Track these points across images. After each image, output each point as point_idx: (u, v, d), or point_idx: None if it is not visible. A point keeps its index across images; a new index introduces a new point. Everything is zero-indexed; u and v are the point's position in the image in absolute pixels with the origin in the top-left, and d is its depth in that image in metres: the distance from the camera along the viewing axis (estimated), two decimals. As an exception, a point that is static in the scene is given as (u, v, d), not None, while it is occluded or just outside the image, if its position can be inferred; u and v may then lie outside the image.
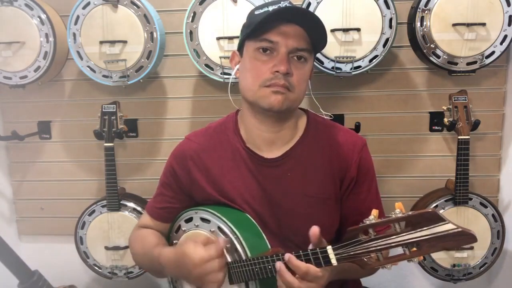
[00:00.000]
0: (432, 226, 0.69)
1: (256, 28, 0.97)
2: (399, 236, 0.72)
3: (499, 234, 1.58)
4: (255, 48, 0.99)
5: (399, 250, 0.75)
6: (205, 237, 1.02)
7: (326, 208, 1.07)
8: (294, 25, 0.97)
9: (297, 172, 1.07)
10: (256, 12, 1.01)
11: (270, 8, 0.98)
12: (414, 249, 0.72)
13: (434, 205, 1.57)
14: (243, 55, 1.05)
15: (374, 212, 0.76)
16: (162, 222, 1.18)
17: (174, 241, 1.15)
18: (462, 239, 0.67)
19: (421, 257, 0.73)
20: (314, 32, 0.99)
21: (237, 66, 1.08)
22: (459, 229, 0.67)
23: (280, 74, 0.96)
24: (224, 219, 1.03)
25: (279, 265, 0.86)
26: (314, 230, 0.84)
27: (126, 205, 1.68)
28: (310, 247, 0.86)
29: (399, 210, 0.73)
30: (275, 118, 1.04)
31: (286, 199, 1.06)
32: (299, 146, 1.08)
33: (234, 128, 1.11)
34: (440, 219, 0.69)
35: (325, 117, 1.16)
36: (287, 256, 0.85)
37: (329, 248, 0.82)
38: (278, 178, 1.07)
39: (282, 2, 0.99)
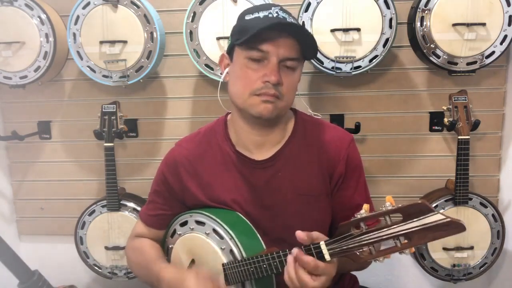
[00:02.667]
0: (421, 218, 0.71)
1: (246, 36, 0.96)
2: (390, 229, 0.74)
3: (499, 234, 1.59)
4: (246, 56, 0.98)
5: (391, 243, 0.76)
6: (209, 272, 1.02)
7: (318, 205, 1.08)
8: (285, 34, 0.96)
9: (287, 172, 1.07)
10: (247, 18, 1.00)
11: (261, 14, 0.97)
12: (405, 241, 0.73)
13: (434, 205, 1.57)
14: (233, 60, 1.04)
15: (365, 206, 0.78)
16: (156, 229, 1.18)
17: (170, 245, 1.15)
18: (451, 228, 0.69)
19: (412, 249, 0.74)
20: (305, 44, 0.99)
21: (227, 70, 1.07)
22: (448, 219, 0.69)
23: (270, 84, 0.96)
24: (218, 221, 1.04)
25: (291, 259, 0.85)
26: (299, 234, 0.85)
27: (126, 205, 1.68)
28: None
29: (389, 203, 0.74)
30: (264, 123, 1.05)
31: (278, 199, 1.07)
32: (288, 146, 1.09)
33: (224, 131, 1.12)
34: (429, 210, 0.70)
35: (313, 116, 1.17)
36: (295, 251, 0.84)
37: (322, 244, 0.82)
38: (269, 179, 1.07)
39: (273, 8, 0.99)
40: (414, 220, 0.71)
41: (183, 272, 1.03)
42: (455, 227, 0.68)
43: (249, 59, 0.98)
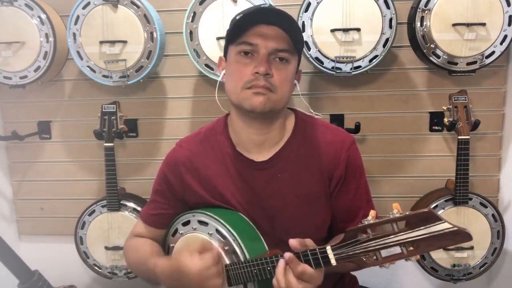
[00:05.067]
0: (428, 226, 0.70)
1: (235, 32, 0.98)
2: (397, 236, 0.73)
3: (499, 234, 1.59)
4: (237, 51, 1.00)
5: (397, 249, 0.76)
6: (199, 245, 1.01)
7: (317, 207, 1.08)
8: (273, 27, 0.98)
9: (287, 173, 1.07)
10: (238, 18, 1.02)
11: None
12: (411, 248, 0.73)
13: (434, 205, 1.57)
14: (227, 59, 1.06)
15: (372, 212, 0.78)
16: (156, 228, 1.18)
17: (171, 245, 1.15)
18: (458, 237, 0.69)
19: (418, 256, 0.74)
20: (292, 32, 0.99)
21: (223, 71, 1.09)
22: (455, 228, 0.68)
23: (260, 76, 0.97)
24: (222, 221, 1.03)
25: (282, 263, 0.86)
26: (292, 243, 0.85)
27: (126, 205, 1.68)
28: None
29: (396, 210, 0.74)
30: (261, 120, 1.04)
31: (278, 200, 1.07)
32: (288, 147, 1.08)
33: (224, 132, 1.12)
34: (436, 219, 0.70)
35: (314, 116, 1.17)
36: (287, 255, 0.85)
37: (329, 249, 0.82)
38: (269, 180, 1.07)
39: (261, 6, 1.00)
40: (421, 228, 0.71)
41: (175, 259, 1.01)
42: (462, 236, 0.68)
43: (240, 54, 1.00)
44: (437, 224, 0.70)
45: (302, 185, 1.07)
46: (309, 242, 0.88)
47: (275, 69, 0.98)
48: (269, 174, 1.07)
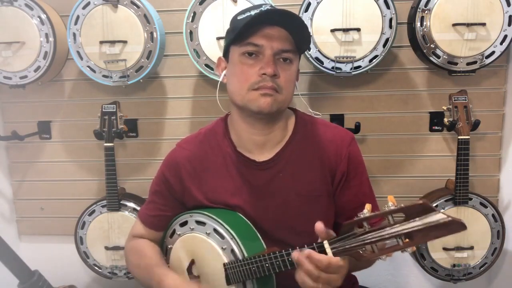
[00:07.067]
0: (423, 217, 0.71)
1: (240, 33, 0.98)
2: (392, 228, 0.74)
3: (499, 234, 1.59)
4: (241, 52, 1.00)
5: (393, 241, 0.76)
6: None
7: (319, 206, 1.08)
8: (277, 27, 0.98)
9: (288, 172, 1.07)
10: (239, 17, 1.02)
11: (253, 13, 0.99)
12: (407, 240, 0.74)
13: (434, 205, 1.57)
14: (229, 60, 1.05)
15: (368, 206, 0.79)
16: (155, 230, 1.18)
17: (169, 246, 1.15)
18: (453, 227, 0.70)
19: (414, 248, 0.75)
20: (297, 33, 1.00)
21: (224, 72, 1.08)
22: (449, 219, 0.69)
23: (267, 77, 0.97)
24: (220, 221, 1.04)
25: (297, 255, 0.83)
26: (319, 226, 0.83)
27: (126, 205, 1.68)
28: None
29: (391, 203, 0.75)
30: (265, 121, 1.05)
31: (279, 200, 1.07)
32: (289, 146, 1.09)
33: (225, 132, 1.12)
34: (430, 210, 0.71)
35: (313, 115, 1.17)
36: (307, 251, 0.82)
37: (326, 243, 0.83)
38: (270, 180, 1.07)
39: (263, 6, 1.00)
40: (416, 219, 0.72)
41: (187, 283, 1.04)
42: (456, 226, 0.69)
43: (244, 55, 0.99)
44: (431, 215, 0.71)
45: (304, 184, 1.07)
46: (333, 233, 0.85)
47: (280, 70, 0.99)
48: (270, 173, 1.07)
